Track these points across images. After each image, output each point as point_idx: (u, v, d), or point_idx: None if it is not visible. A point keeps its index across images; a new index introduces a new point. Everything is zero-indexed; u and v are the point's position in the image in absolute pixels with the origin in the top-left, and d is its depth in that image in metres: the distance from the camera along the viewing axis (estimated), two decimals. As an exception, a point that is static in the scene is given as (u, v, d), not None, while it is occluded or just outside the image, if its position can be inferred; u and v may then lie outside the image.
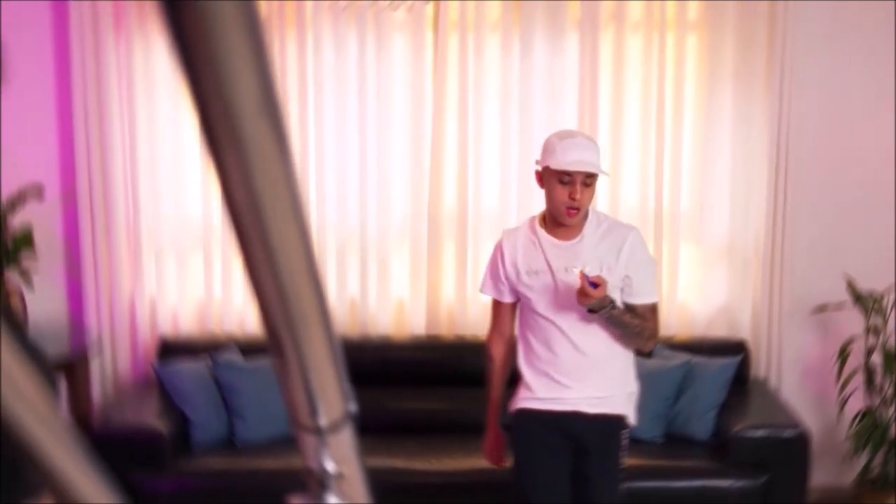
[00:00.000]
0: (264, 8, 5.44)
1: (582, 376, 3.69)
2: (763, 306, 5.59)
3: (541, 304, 3.68)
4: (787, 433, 4.89)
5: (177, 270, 5.71)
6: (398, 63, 5.56)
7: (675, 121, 5.53)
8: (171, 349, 5.53)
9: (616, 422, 3.75)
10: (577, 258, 3.63)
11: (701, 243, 5.67)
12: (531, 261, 3.71)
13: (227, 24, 0.59)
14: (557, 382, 3.70)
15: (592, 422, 3.70)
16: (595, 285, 3.46)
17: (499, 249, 3.79)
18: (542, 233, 3.72)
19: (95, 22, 5.41)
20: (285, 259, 0.70)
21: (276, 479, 4.91)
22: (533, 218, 3.81)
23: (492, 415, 3.98)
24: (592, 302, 3.49)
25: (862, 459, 5.27)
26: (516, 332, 3.86)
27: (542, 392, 3.74)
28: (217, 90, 0.61)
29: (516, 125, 5.53)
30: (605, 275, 3.57)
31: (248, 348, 5.43)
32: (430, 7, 5.47)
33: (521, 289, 3.73)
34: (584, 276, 3.47)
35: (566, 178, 3.54)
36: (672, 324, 5.62)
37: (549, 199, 3.64)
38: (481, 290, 3.94)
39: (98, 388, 5.65)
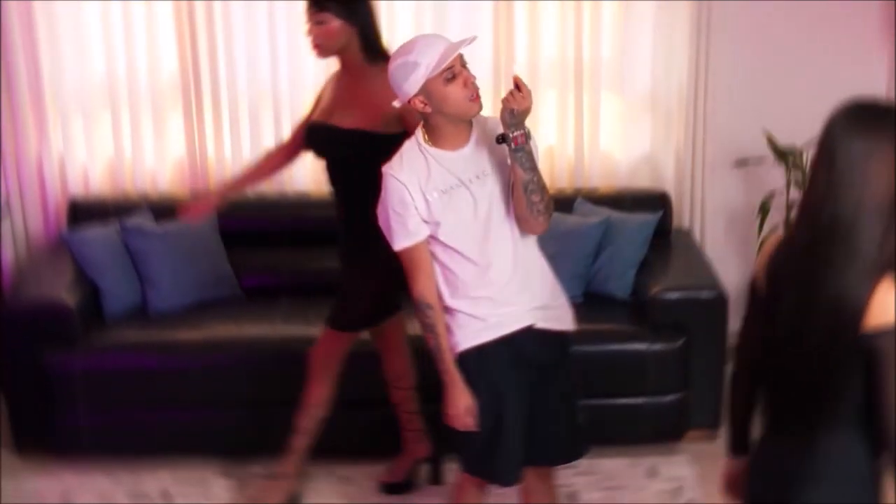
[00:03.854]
0: None
1: (522, 287, 3.42)
2: (686, 157, 5.48)
3: (461, 223, 3.34)
4: (705, 294, 4.85)
5: (85, 129, 5.51)
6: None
7: (596, -34, 5.30)
8: (81, 211, 5.39)
9: (567, 339, 3.59)
10: (480, 162, 3.37)
11: (623, 93, 5.51)
12: (438, 181, 3.34)
13: None
14: (501, 302, 3.40)
15: (545, 339, 3.48)
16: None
17: (401, 187, 3.34)
18: (432, 150, 3.37)
19: None
20: None
21: (191, 350, 4.88)
22: (411, 142, 3.43)
23: (450, 365, 3.45)
24: (526, 106, 3.19)
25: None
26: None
27: (491, 317, 3.40)
28: None
29: None
30: (504, 168, 3.38)
31: (161, 210, 5.28)
32: None
33: (436, 215, 3.34)
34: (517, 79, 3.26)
35: (449, 74, 3.25)
36: (594, 174, 5.52)
37: (447, 105, 3.28)
38: (397, 247, 3.40)
39: (10, 251, 5.54)
